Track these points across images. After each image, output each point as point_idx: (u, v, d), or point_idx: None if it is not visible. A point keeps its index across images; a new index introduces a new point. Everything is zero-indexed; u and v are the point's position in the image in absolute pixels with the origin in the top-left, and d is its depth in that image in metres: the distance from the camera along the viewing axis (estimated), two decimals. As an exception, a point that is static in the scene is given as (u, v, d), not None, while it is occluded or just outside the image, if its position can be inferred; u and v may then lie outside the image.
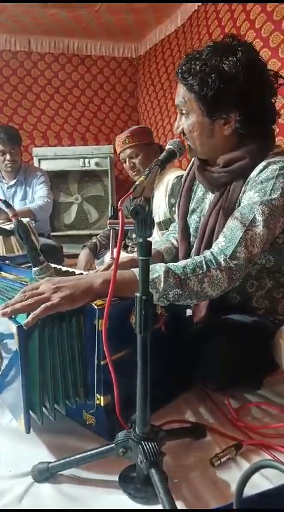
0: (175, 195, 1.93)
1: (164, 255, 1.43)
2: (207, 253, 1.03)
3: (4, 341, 0.95)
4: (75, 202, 3.86)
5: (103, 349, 0.84)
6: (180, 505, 0.80)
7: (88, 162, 3.75)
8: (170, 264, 0.98)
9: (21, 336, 0.83)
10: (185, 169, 1.44)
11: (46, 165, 3.58)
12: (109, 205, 2.00)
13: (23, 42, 4.03)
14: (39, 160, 3.70)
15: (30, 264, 1.15)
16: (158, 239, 1.69)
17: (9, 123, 3.91)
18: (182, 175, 1.51)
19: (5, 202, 1.17)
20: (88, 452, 0.86)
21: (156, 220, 2.07)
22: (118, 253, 0.79)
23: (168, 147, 1.07)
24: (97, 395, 0.94)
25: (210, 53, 1.08)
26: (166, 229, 1.86)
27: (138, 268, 0.80)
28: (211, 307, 1.16)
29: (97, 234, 2.44)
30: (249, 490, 0.66)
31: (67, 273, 1.30)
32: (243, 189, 1.12)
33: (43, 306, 0.85)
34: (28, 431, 0.87)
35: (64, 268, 1.35)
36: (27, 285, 1.07)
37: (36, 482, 0.87)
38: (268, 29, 2.34)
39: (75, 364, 0.93)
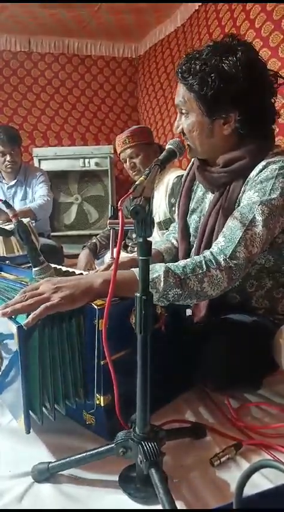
0: (175, 195, 1.93)
1: (164, 255, 1.43)
2: (207, 253, 1.03)
3: (4, 341, 0.95)
4: (75, 202, 3.86)
5: (103, 349, 0.84)
6: (179, 505, 0.80)
7: (88, 162, 3.75)
8: (170, 264, 0.98)
9: (21, 336, 0.83)
10: (185, 169, 1.44)
11: (46, 165, 3.58)
12: (109, 205, 2.00)
13: (23, 42, 4.03)
14: (39, 160, 3.70)
15: (30, 264, 1.15)
16: (158, 239, 1.69)
17: (9, 124, 3.92)
18: (182, 175, 1.51)
19: (5, 202, 1.17)
20: (88, 452, 0.86)
21: (156, 220, 2.07)
22: (118, 253, 0.79)
23: (168, 147, 1.07)
24: (97, 395, 0.94)
25: (210, 52, 1.08)
26: (166, 229, 1.86)
27: (138, 268, 0.80)
28: (211, 307, 1.16)
29: (97, 234, 2.44)
30: (249, 490, 0.66)
31: (67, 273, 1.30)
32: (243, 189, 1.12)
33: (43, 306, 0.85)
34: (28, 432, 0.87)
35: (64, 269, 1.35)
36: (27, 285, 1.07)
37: (36, 482, 0.87)
38: (268, 29, 2.34)
39: (75, 364, 0.93)
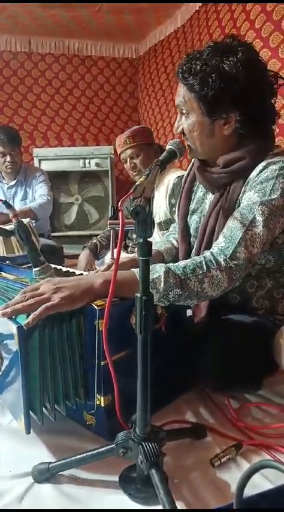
0: (176, 196, 1.93)
1: (164, 255, 1.43)
2: (207, 253, 1.03)
3: (4, 341, 0.95)
4: (76, 202, 3.86)
5: (103, 349, 0.84)
6: (180, 505, 0.80)
7: (89, 162, 3.75)
8: (170, 264, 0.98)
9: (22, 337, 0.83)
10: (185, 170, 1.44)
11: (46, 166, 3.58)
12: (110, 206, 2.00)
13: (24, 42, 4.04)
14: (40, 160, 3.70)
15: (30, 265, 1.15)
16: (158, 239, 1.69)
17: (9, 124, 3.92)
18: (183, 176, 1.51)
19: (5, 202, 1.17)
20: (89, 453, 0.86)
21: (157, 220, 2.07)
22: (119, 253, 0.79)
23: (168, 147, 1.07)
24: (98, 395, 0.94)
25: (211, 53, 1.08)
26: (167, 229, 1.86)
27: (138, 269, 0.80)
28: (211, 307, 1.16)
29: (98, 235, 2.44)
30: (249, 490, 0.66)
31: (67, 274, 1.30)
32: (243, 189, 1.12)
33: (43, 306, 0.85)
34: (28, 432, 0.87)
35: (64, 269, 1.35)
36: (27, 285, 1.07)
37: (37, 482, 0.87)
38: (268, 29, 2.34)
39: (75, 365, 0.93)
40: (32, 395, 0.87)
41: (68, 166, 3.75)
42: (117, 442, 0.84)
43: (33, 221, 2.51)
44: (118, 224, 0.81)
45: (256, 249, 1.03)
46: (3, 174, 2.85)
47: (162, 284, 0.93)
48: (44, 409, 0.90)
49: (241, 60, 1.05)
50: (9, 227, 1.32)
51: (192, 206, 1.35)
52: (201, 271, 0.97)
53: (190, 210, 1.36)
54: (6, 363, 0.95)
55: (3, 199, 1.65)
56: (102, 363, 0.91)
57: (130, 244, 2.34)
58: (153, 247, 0.82)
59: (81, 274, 1.22)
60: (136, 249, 1.82)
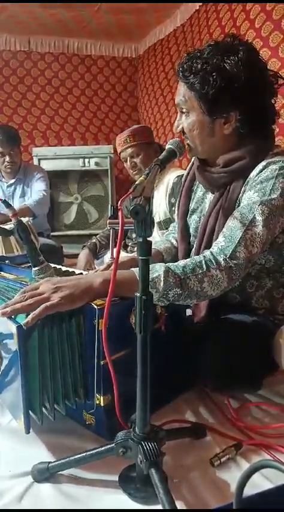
0: (176, 195, 1.93)
1: (164, 255, 1.43)
2: (207, 253, 1.03)
3: (4, 341, 0.95)
4: (75, 202, 3.85)
5: (103, 349, 0.84)
6: (179, 505, 0.80)
7: (88, 162, 3.75)
8: (170, 264, 0.98)
9: (21, 336, 0.83)
10: (185, 169, 1.44)
11: (46, 165, 3.58)
12: (109, 205, 2.00)
13: (23, 42, 4.03)
14: (39, 160, 3.70)
15: (29, 264, 1.15)
16: (158, 239, 1.69)
17: (9, 123, 3.92)
18: (182, 175, 1.51)
19: (5, 202, 1.17)
20: (88, 452, 0.86)
21: (156, 219, 2.07)
22: (118, 253, 0.79)
23: (167, 146, 1.07)
24: (97, 395, 0.94)
25: (211, 52, 1.08)
26: (166, 228, 1.86)
27: (137, 268, 0.80)
28: (211, 307, 1.16)
29: (97, 234, 2.44)
30: (249, 490, 0.66)
31: (67, 273, 1.30)
32: (243, 189, 1.12)
33: (43, 306, 0.85)
34: (28, 432, 0.87)
35: (64, 268, 1.35)
36: (27, 285, 1.07)
37: (36, 482, 0.87)
38: (268, 29, 2.34)
39: (74, 364, 0.93)
40: (31, 394, 0.87)
41: (67, 166, 3.75)
42: (117, 442, 0.84)
43: (31, 218, 2.50)
44: (118, 223, 0.81)
45: (255, 248, 1.02)
46: (3, 173, 2.85)
47: (162, 283, 0.93)
48: (43, 408, 0.90)
49: (242, 60, 1.05)
50: (8, 226, 1.32)
51: (192, 206, 1.35)
52: (200, 271, 0.97)
53: (189, 210, 1.36)
54: (5, 362, 0.95)
55: (3, 198, 1.65)
56: (102, 363, 0.91)
57: (129, 244, 2.34)
58: (153, 247, 0.82)
59: (81, 273, 1.22)
60: (135, 248, 1.82)
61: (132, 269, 0.98)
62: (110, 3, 3.22)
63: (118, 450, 0.83)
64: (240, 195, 1.13)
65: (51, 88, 4.25)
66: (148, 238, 0.76)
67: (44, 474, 0.87)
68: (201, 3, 3.10)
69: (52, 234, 3.31)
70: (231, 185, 1.15)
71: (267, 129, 1.17)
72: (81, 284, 0.91)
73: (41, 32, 3.89)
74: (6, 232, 1.25)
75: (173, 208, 1.97)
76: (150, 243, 0.77)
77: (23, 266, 1.34)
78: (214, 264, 0.99)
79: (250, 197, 1.06)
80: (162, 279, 0.93)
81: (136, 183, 0.83)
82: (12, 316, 0.87)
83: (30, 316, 0.84)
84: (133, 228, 0.77)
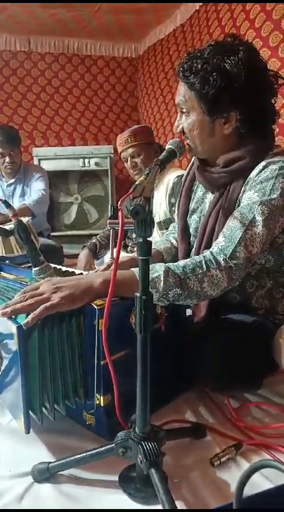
0: (176, 195, 1.93)
1: (164, 255, 1.43)
2: (207, 253, 1.03)
3: (4, 341, 0.95)
4: (75, 202, 3.86)
5: (103, 349, 0.84)
6: (179, 504, 0.80)
7: (88, 162, 3.75)
8: (170, 264, 0.98)
9: (21, 336, 0.83)
10: (185, 169, 1.44)
11: (46, 165, 3.58)
12: (109, 205, 2.00)
13: (23, 42, 4.03)
14: (39, 160, 3.70)
15: (30, 264, 1.15)
16: (158, 239, 1.69)
17: (9, 123, 3.91)
18: (182, 175, 1.51)
19: (5, 202, 1.17)
20: (88, 452, 0.86)
21: (157, 219, 2.07)
22: (118, 253, 0.79)
23: (167, 146, 1.07)
24: (97, 395, 0.94)
25: (212, 51, 1.08)
26: (166, 228, 1.86)
27: (137, 268, 0.80)
28: (211, 307, 1.16)
29: (97, 234, 2.44)
30: (249, 490, 0.66)
31: (67, 273, 1.30)
32: (243, 189, 1.12)
33: (43, 306, 0.85)
34: (28, 432, 0.87)
35: (64, 268, 1.35)
36: (27, 285, 1.07)
37: (36, 482, 0.87)
38: (268, 29, 2.34)
39: (74, 364, 0.93)
40: (31, 395, 0.87)
41: (67, 166, 3.75)
42: (117, 442, 0.84)
43: (30, 218, 2.50)
44: (118, 223, 0.81)
45: (255, 248, 1.02)
46: (3, 173, 2.85)
47: (162, 283, 0.93)
48: (43, 408, 0.90)
49: (242, 60, 1.05)
50: (8, 227, 1.32)
51: (192, 206, 1.35)
52: (200, 271, 0.97)
53: (189, 210, 1.36)
54: (5, 362, 0.95)
55: (3, 198, 1.65)
56: (102, 363, 0.91)
57: (129, 244, 2.34)
58: (153, 247, 0.82)
59: (81, 273, 1.22)
60: (135, 248, 1.82)
61: (132, 269, 0.98)
62: (110, 3, 3.22)
63: (118, 450, 0.83)
64: (240, 195, 1.13)
65: (51, 88, 4.25)
66: (148, 238, 0.76)
67: (44, 474, 0.87)
68: (201, 4, 3.10)
69: (52, 234, 3.31)
70: (231, 185, 1.15)
71: (267, 129, 1.17)
72: (81, 284, 0.91)
73: (41, 32, 3.89)
74: (6, 232, 1.25)
75: (173, 208, 1.97)
76: (150, 243, 0.77)
77: (23, 266, 1.34)
78: (214, 264, 0.99)
79: (250, 197, 1.06)
80: (162, 279, 0.93)
81: (136, 183, 0.83)
82: (13, 316, 0.87)
83: (30, 316, 0.84)
84: (133, 228, 0.77)
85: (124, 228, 0.80)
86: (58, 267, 1.34)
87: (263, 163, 1.09)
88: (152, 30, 3.93)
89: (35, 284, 0.94)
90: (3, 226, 1.36)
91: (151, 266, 0.85)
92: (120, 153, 2.16)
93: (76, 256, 2.43)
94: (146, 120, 4.29)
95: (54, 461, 0.88)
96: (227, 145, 1.16)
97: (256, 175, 1.09)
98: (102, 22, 3.66)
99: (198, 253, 1.19)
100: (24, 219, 1.66)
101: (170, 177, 2.05)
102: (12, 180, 2.83)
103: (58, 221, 3.81)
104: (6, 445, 0.99)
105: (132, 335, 0.80)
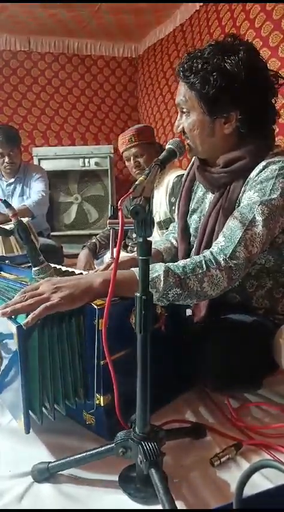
0: (176, 194, 1.93)
1: (163, 255, 1.43)
2: (207, 253, 1.03)
3: (4, 341, 0.95)
4: (75, 202, 3.85)
5: (103, 349, 0.84)
6: (179, 504, 0.80)
7: (88, 161, 3.75)
8: (170, 264, 0.98)
9: (21, 336, 0.83)
10: (185, 169, 1.44)
11: (46, 165, 3.58)
12: (109, 205, 2.00)
13: (23, 42, 4.03)
14: (39, 160, 3.70)
15: (29, 264, 1.15)
16: (158, 238, 1.69)
17: (9, 123, 3.91)
18: (182, 175, 1.51)
19: (5, 202, 1.17)
20: (88, 452, 0.86)
21: (157, 219, 2.07)
22: (118, 253, 0.79)
23: (168, 146, 1.07)
24: (97, 395, 0.94)
25: (212, 51, 1.08)
26: (167, 228, 1.86)
27: (137, 268, 0.80)
28: (211, 307, 1.16)
29: (97, 234, 2.44)
30: (249, 490, 0.66)
31: (67, 273, 1.29)
32: (243, 189, 1.12)
33: (43, 306, 0.85)
34: (28, 432, 0.87)
35: (64, 268, 1.35)
36: (27, 285, 1.07)
37: (36, 482, 0.87)
38: (268, 28, 2.34)
39: (74, 364, 0.93)
40: (31, 394, 0.87)
41: (67, 166, 3.75)
42: (117, 442, 0.84)
43: (30, 218, 2.51)
44: (118, 223, 0.81)
45: (255, 248, 1.02)
46: (2, 173, 2.85)
47: (162, 283, 0.93)
48: (43, 408, 0.90)
49: (243, 60, 1.05)
50: (8, 227, 1.32)
51: (192, 206, 1.35)
52: (200, 271, 0.97)
53: (190, 210, 1.36)
54: (5, 362, 0.95)
55: (3, 198, 1.65)
56: (102, 363, 0.91)
57: (129, 244, 2.34)
58: (153, 247, 0.82)
59: (81, 273, 1.22)
60: (135, 248, 1.82)
61: (132, 269, 0.98)
62: (110, 3, 3.22)
63: (118, 450, 0.83)
64: (240, 195, 1.13)
65: (51, 88, 4.25)
66: (148, 238, 0.76)
67: (44, 474, 0.87)
68: (201, 4, 3.10)
69: (52, 234, 3.31)
70: (231, 185, 1.15)
71: (267, 129, 1.17)
72: (81, 284, 0.91)
73: (41, 32, 3.89)
74: (6, 232, 1.25)
75: (173, 208, 1.97)
76: (150, 243, 0.77)
77: (23, 266, 1.34)
78: (214, 264, 0.99)
79: (250, 197, 1.06)
80: (162, 279, 0.93)
81: (136, 183, 0.83)
82: (12, 316, 0.87)
83: (30, 316, 0.84)
84: (133, 228, 0.77)
85: (124, 228, 0.79)
86: (58, 266, 1.34)
87: (263, 163, 1.09)
88: (152, 30, 3.93)
89: (35, 284, 0.94)
90: (3, 226, 1.36)
91: (151, 266, 0.85)
92: (123, 152, 2.16)
93: (76, 256, 2.43)
94: (146, 120, 4.29)
95: (54, 461, 0.88)
96: (227, 145, 1.16)
97: (256, 175, 1.09)
98: (102, 22, 3.66)
99: (198, 253, 1.19)
100: (24, 219, 1.66)
101: (170, 177, 2.05)
102: (12, 180, 2.83)
103: (58, 221, 3.81)
104: (6, 445, 0.99)
105: (132, 335, 0.80)
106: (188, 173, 1.37)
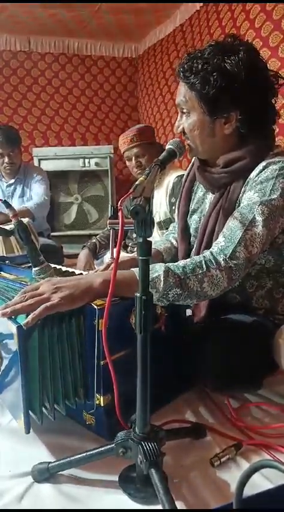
0: (176, 195, 1.94)
1: (164, 255, 1.43)
2: (207, 253, 1.03)
3: (4, 341, 0.95)
4: (75, 202, 3.85)
5: (103, 349, 0.84)
6: (179, 505, 0.80)
7: (88, 162, 3.75)
8: (170, 264, 0.98)
9: (21, 336, 0.83)
10: (185, 170, 1.44)
11: (46, 165, 3.58)
12: (109, 205, 2.00)
13: (23, 42, 4.03)
14: (39, 160, 3.70)
15: (30, 264, 1.15)
16: (158, 239, 1.69)
17: (9, 123, 3.91)
18: (183, 175, 1.51)
19: (5, 202, 1.17)
20: (88, 452, 0.86)
21: (157, 219, 2.07)
22: (118, 253, 0.79)
23: (168, 147, 1.07)
24: (97, 395, 0.94)
25: (212, 52, 1.08)
26: (167, 228, 1.86)
27: (137, 268, 0.80)
28: (211, 307, 1.16)
29: (97, 234, 2.44)
30: (249, 490, 0.66)
31: (67, 273, 1.30)
32: (243, 189, 1.12)
33: (43, 306, 0.85)
34: (28, 432, 0.87)
35: (64, 268, 1.35)
36: (27, 285, 1.07)
37: (36, 482, 0.87)
38: (268, 29, 2.34)
39: (74, 364, 0.93)
40: (31, 394, 0.87)
41: (67, 166, 3.75)
42: (117, 442, 0.84)
43: (31, 220, 2.51)
44: (118, 223, 0.81)
45: (255, 248, 1.02)
46: (3, 173, 2.84)
47: (162, 283, 0.93)
48: (43, 408, 0.90)
49: (243, 60, 1.05)
50: (8, 227, 1.32)
51: (192, 206, 1.35)
52: (200, 271, 0.97)
53: (190, 210, 1.36)
54: (5, 362, 0.95)
55: (3, 198, 1.65)
56: (102, 363, 0.91)
57: (129, 244, 2.34)
58: (153, 247, 0.82)
59: (81, 273, 1.22)
60: (135, 248, 1.82)
61: (132, 269, 0.98)
62: (110, 3, 3.22)
63: (118, 450, 0.83)
64: (240, 195, 1.13)
65: (52, 88, 4.25)
66: (148, 238, 0.76)
67: (44, 474, 0.87)
68: (201, 4, 3.10)
69: (52, 234, 3.31)
70: (231, 185, 1.15)
71: (267, 129, 1.18)
72: (81, 284, 0.91)
73: (41, 32, 3.89)
74: (7, 232, 1.25)
75: (173, 208, 1.97)
76: (150, 243, 0.77)
77: (23, 266, 1.34)
78: (214, 264, 0.99)
79: (250, 197, 1.06)
80: (162, 279, 0.93)
81: (136, 183, 0.83)
82: (13, 317, 0.87)
83: (30, 317, 0.84)
84: (133, 228, 0.77)
85: (124, 228, 0.79)
86: (58, 267, 1.35)
87: (263, 163, 1.09)
88: (152, 30, 3.93)
89: (35, 284, 0.94)
90: (3, 226, 1.36)
91: (151, 266, 0.85)
92: (124, 152, 2.16)
93: (76, 256, 2.43)
94: (146, 120, 4.29)
95: (54, 461, 0.88)
96: (227, 146, 1.16)
97: (256, 176, 1.09)
98: (102, 22, 3.66)
99: (198, 254, 1.19)
100: (25, 219, 1.66)
101: (170, 177, 2.05)
102: (12, 181, 2.83)
103: (58, 221, 3.81)
104: (6, 445, 0.99)
105: (132, 335, 0.80)
106: (188, 173, 1.37)
